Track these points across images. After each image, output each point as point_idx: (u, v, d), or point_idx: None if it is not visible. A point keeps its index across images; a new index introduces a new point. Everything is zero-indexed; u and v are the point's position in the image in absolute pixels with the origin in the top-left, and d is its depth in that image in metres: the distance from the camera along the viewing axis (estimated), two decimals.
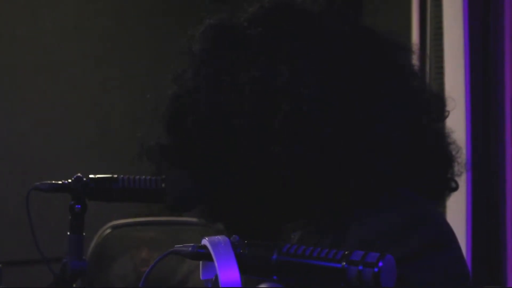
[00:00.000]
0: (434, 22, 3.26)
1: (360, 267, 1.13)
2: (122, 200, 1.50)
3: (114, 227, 3.64)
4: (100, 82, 5.32)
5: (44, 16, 5.24)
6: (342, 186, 1.44)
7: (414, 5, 3.45)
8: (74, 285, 1.47)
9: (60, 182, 1.48)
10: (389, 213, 1.43)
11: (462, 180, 1.61)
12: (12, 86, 5.13)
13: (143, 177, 1.50)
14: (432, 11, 3.28)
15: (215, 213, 1.58)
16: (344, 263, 1.14)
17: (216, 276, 1.18)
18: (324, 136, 1.43)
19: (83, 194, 1.46)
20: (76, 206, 1.45)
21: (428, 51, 3.27)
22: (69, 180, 1.47)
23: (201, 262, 1.26)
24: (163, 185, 1.49)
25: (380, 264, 1.12)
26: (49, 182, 1.48)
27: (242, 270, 1.19)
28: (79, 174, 1.48)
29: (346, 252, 1.15)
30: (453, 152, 1.58)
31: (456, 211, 2.98)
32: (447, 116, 1.60)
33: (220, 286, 1.17)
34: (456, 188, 1.59)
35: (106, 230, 3.61)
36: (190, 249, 1.25)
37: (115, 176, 1.49)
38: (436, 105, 1.60)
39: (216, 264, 1.18)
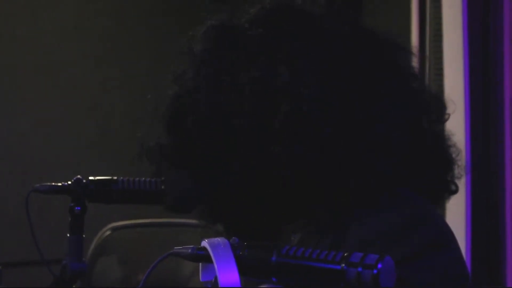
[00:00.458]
0: (434, 24, 3.26)
1: (359, 269, 1.13)
2: (121, 202, 1.50)
3: (114, 229, 3.64)
4: (100, 82, 5.32)
5: (44, 16, 5.24)
6: (342, 186, 1.44)
7: (414, 7, 3.45)
8: (73, 287, 1.47)
9: (59, 184, 1.47)
10: (389, 214, 1.43)
11: (462, 181, 1.61)
12: (12, 86, 5.12)
13: (143, 178, 1.50)
14: (431, 13, 3.28)
15: (215, 214, 1.59)
16: (343, 265, 1.14)
17: (216, 278, 1.18)
18: (324, 136, 1.43)
19: (83, 196, 1.46)
20: (76, 207, 1.45)
21: (427, 53, 3.26)
22: (69, 182, 1.47)
23: (200, 264, 1.26)
24: (162, 186, 1.49)
25: (379, 265, 1.12)
26: (48, 184, 1.47)
27: (242, 272, 1.19)
28: (79, 176, 1.48)
29: (345, 254, 1.15)
30: (453, 155, 1.58)
31: (456, 212, 2.98)
32: (447, 119, 1.60)
33: None
34: (456, 191, 1.59)
35: (106, 231, 3.61)
36: (189, 250, 1.25)
37: (115, 178, 1.49)
38: (436, 107, 1.60)
39: (215, 265, 1.18)
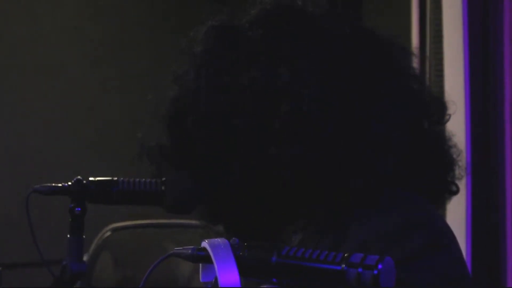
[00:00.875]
0: (434, 25, 3.26)
1: (360, 270, 1.13)
2: (122, 203, 1.50)
3: (114, 230, 3.64)
4: (99, 83, 5.32)
5: (44, 16, 5.24)
6: (342, 186, 1.44)
7: (414, 8, 3.45)
8: (73, 287, 1.47)
9: (60, 185, 1.47)
10: (389, 214, 1.43)
11: (462, 182, 1.61)
12: (12, 86, 5.13)
13: (143, 179, 1.50)
14: (431, 14, 3.28)
15: (215, 214, 1.59)
16: (344, 266, 1.14)
17: (216, 279, 1.18)
18: (324, 136, 1.43)
19: (83, 196, 1.46)
20: (76, 208, 1.45)
21: (427, 53, 3.26)
22: (69, 183, 1.47)
23: (200, 264, 1.26)
24: (163, 187, 1.49)
25: (380, 266, 1.12)
26: (48, 185, 1.47)
27: (242, 273, 1.19)
28: (79, 177, 1.47)
29: (345, 255, 1.15)
30: (454, 155, 1.58)
31: (456, 212, 2.98)
32: (448, 120, 1.60)
33: None
34: (457, 192, 1.59)
35: (106, 232, 3.61)
36: (189, 251, 1.25)
37: (115, 179, 1.49)
38: (437, 107, 1.60)
39: (215, 266, 1.18)
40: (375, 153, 1.44)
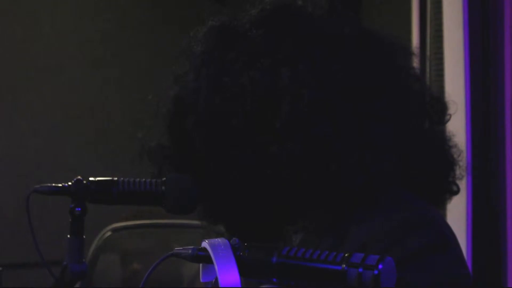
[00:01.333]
0: (434, 24, 3.26)
1: (360, 270, 1.13)
2: (122, 203, 1.50)
3: (114, 230, 3.64)
4: (100, 83, 5.32)
5: (44, 16, 5.24)
6: (342, 186, 1.44)
7: (414, 7, 3.45)
8: None
9: (60, 185, 1.47)
10: (390, 214, 1.43)
11: (462, 182, 1.61)
12: (12, 86, 5.13)
13: (143, 179, 1.50)
14: (432, 13, 3.28)
15: (215, 214, 1.59)
16: (344, 266, 1.14)
17: (216, 279, 1.18)
18: (325, 137, 1.43)
19: (83, 197, 1.46)
20: (76, 209, 1.45)
21: (428, 53, 3.26)
22: (69, 183, 1.47)
23: (201, 264, 1.26)
24: (163, 187, 1.49)
25: (380, 266, 1.12)
26: (49, 185, 1.47)
27: (242, 273, 1.19)
28: (79, 177, 1.47)
29: (346, 255, 1.15)
30: (455, 156, 1.58)
31: (457, 213, 2.97)
32: (448, 120, 1.60)
33: None
34: (457, 192, 1.59)
35: (106, 232, 3.60)
36: (190, 251, 1.25)
37: (115, 179, 1.49)
38: (437, 107, 1.60)
39: (216, 266, 1.18)
40: (375, 153, 1.44)
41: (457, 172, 1.58)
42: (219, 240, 1.22)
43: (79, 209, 1.45)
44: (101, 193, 1.47)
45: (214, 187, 1.52)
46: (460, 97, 3.01)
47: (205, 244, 1.22)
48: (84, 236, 1.46)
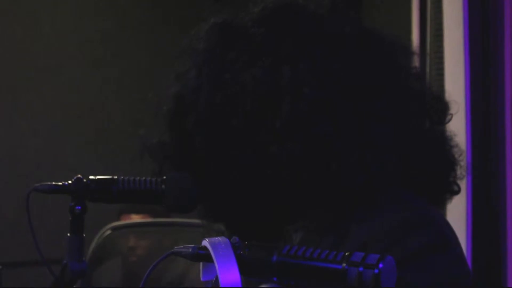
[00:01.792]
0: (434, 23, 3.26)
1: (361, 269, 1.13)
2: (122, 202, 1.50)
3: (114, 228, 3.64)
4: (99, 82, 5.33)
5: (44, 17, 5.24)
6: (342, 186, 1.43)
7: (414, 6, 3.45)
8: (74, 287, 1.46)
9: (60, 183, 1.47)
10: (390, 213, 1.43)
11: (463, 182, 1.61)
12: (12, 85, 5.13)
13: (143, 178, 1.50)
14: (432, 12, 3.28)
15: (215, 213, 1.58)
16: (345, 265, 1.14)
17: (217, 278, 1.18)
18: (325, 137, 1.43)
19: (83, 195, 1.46)
20: (76, 207, 1.45)
21: (428, 52, 3.26)
22: (69, 182, 1.47)
23: (201, 263, 1.26)
24: (163, 186, 1.49)
25: (381, 265, 1.12)
26: (49, 183, 1.47)
27: (243, 272, 1.19)
28: (79, 176, 1.47)
29: (346, 254, 1.15)
30: (456, 156, 1.58)
31: (457, 212, 2.97)
32: (450, 120, 1.60)
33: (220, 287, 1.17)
34: (458, 192, 1.59)
35: (106, 231, 3.60)
36: (190, 250, 1.25)
37: (115, 177, 1.49)
38: (438, 107, 1.60)
39: (216, 265, 1.18)
40: (375, 153, 1.44)
41: (458, 172, 1.58)
42: (219, 239, 1.22)
43: (79, 207, 1.45)
44: (101, 192, 1.47)
45: (214, 186, 1.52)
46: (460, 97, 3.00)
47: (205, 242, 1.22)
48: (84, 235, 1.46)
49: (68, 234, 1.46)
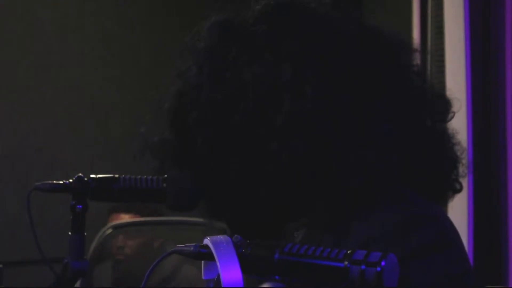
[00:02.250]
0: (435, 21, 3.26)
1: (363, 267, 1.12)
2: (123, 200, 1.50)
3: (115, 227, 3.64)
4: (100, 81, 5.33)
5: (44, 16, 5.24)
6: (344, 184, 1.43)
7: (415, 3, 3.45)
8: (75, 285, 1.46)
9: (61, 182, 1.47)
10: (392, 211, 1.43)
11: (464, 180, 1.61)
12: (12, 84, 5.13)
13: (145, 176, 1.49)
14: (433, 9, 3.28)
15: (217, 211, 1.58)
16: (347, 263, 1.14)
17: (218, 276, 1.18)
18: (327, 134, 1.42)
19: (84, 194, 1.45)
20: (78, 206, 1.44)
21: (429, 50, 3.26)
22: (70, 180, 1.46)
23: (203, 261, 1.25)
24: (164, 184, 1.49)
25: (383, 263, 1.12)
26: (50, 182, 1.47)
27: (244, 270, 1.18)
28: (80, 174, 1.47)
29: (348, 252, 1.15)
30: (458, 153, 1.57)
31: (458, 211, 2.97)
32: (452, 117, 1.59)
33: (222, 286, 1.17)
34: (460, 190, 1.58)
35: (107, 230, 3.60)
36: (192, 248, 1.24)
37: (116, 176, 1.48)
38: (441, 105, 1.59)
39: (218, 263, 1.18)
40: (376, 152, 1.44)
41: (460, 169, 1.58)
42: (221, 237, 1.22)
43: (80, 206, 1.44)
44: (102, 190, 1.47)
45: (215, 184, 1.52)
46: (461, 94, 3.01)
47: (207, 241, 1.22)
48: (85, 233, 1.46)
49: (69, 233, 1.45)
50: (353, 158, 1.43)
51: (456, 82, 3.07)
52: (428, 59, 3.14)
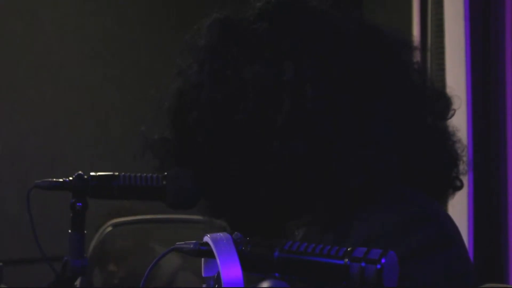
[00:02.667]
0: (435, 19, 3.26)
1: (363, 264, 1.12)
2: (123, 198, 1.50)
3: (115, 225, 3.64)
4: (100, 80, 5.33)
5: (44, 16, 5.24)
6: (344, 184, 1.43)
7: (415, 2, 3.45)
8: (75, 283, 1.46)
9: (61, 180, 1.47)
10: (393, 210, 1.43)
11: (464, 178, 1.61)
12: (12, 83, 5.13)
13: (144, 174, 1.49)
14: (433, 8, 3.28)
15: (217, 209, 1.58)
16: (347, 260, 1.14)
17: (218, 273, 1.18)
18: (327, 134, 1.42)
19: (84, 192, 1.45)
20: (77, 204, 1.44)
21: (429, 48, 3.26)
22: (70, 178, 1.46)
23: (203, 259, 1.25)
24: (164, 182, 1.48)
25: (383, 261, 1.11)
26: (50, 180, 1.47)
27: (244, 267, 1.18)
28: (80, 172, 1.47)
29: (348, 249, 1.15)
30: (458, 151, 1.57)
31: (458, 209, 2.97)
32: (452, 115, 1.59)
33: (222, 284, 1.16)
34: (460, 187, 1.58)
35: (107, 228, 3.60)
36: (192, 246, 1.24)
37: (116, 173, 1.48)
38: (441, 103, 1.59)
39: (218, 261, 1.18)
40: (376, 152, 1.44)
41: (461, 167, 1.57)
42: (221, 234, 1.21)
43: (80, 204, 1.44)
44: (101, 188, 1.47)
45: (215, 182, 1.52)
46: (462, 92, 3.00)
47: (207, 238, 1.22)
48: (85, 231, 1.45)
49: (69, 231, 1.45)
50: (353, 158, 1.43)
51: (456, 81, 3.07)
52: (428, 58, 3.14)
